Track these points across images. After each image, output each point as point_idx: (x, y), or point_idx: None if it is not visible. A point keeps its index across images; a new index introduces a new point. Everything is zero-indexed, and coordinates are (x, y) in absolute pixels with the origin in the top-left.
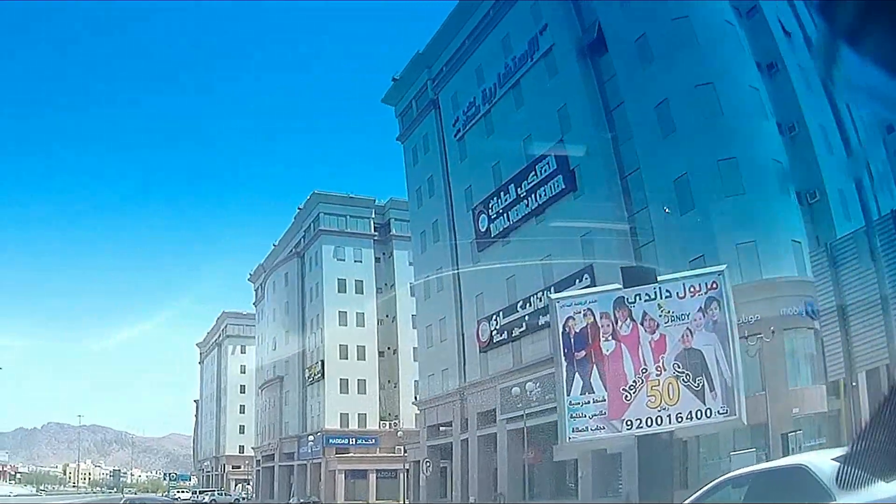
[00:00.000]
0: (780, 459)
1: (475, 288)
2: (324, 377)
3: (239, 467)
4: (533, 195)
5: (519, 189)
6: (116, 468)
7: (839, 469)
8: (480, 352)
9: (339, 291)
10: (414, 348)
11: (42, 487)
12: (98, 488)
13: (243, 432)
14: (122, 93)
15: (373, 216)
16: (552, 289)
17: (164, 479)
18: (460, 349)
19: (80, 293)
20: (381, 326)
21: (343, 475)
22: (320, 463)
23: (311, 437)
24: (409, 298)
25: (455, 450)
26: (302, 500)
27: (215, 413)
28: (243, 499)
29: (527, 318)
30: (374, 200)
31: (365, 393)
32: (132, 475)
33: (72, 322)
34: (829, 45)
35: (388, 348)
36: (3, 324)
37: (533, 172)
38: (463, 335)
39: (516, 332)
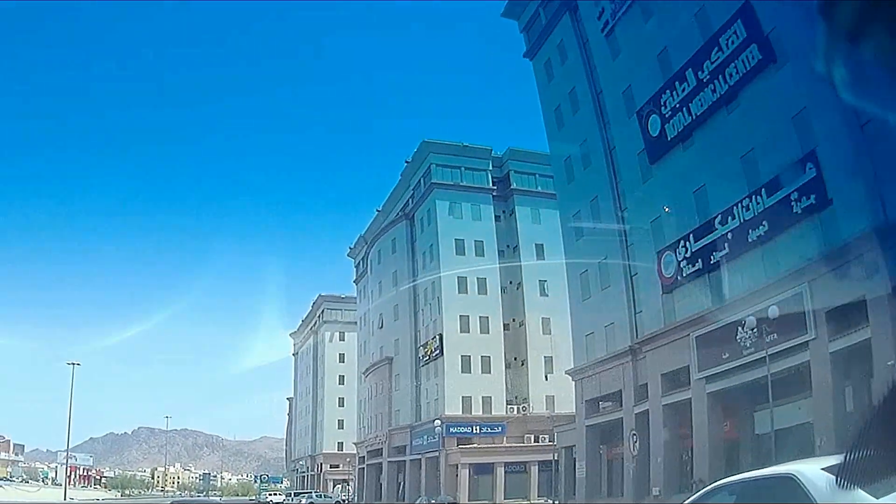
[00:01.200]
0: (770, 467)
1: (648, 212)
2: (442, 354)
3: (337, 466)
4: (720, 77)
5: (700, 72)
6: (206, 471)
7: (829, 479)
8: (664, 292)
9: (456, 253)
10: (543, 319)
11: (127, 492)
12: (186, 492)
13: (342, 427)
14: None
15: (490, 168)
16: (764, 191)
17: (255, 481)
18: (630, 294)
19: (170, 296)
20: (504, 295)
21: (467, 470)
22: (437, 456)
23: (436, 423)
24: (535, 262)
25: (627, 427)
26: (434, 501)
27: (311, 408)
28: (343, 500)
29: (730, 236)
30: (490, 151)
31: (489, 372)
32: (222, 478)
33: (160, 325)
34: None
35: (514, 320)
36: (91, 325)
37: (716, 48)
38: (632, 277)
39: (716, 257)
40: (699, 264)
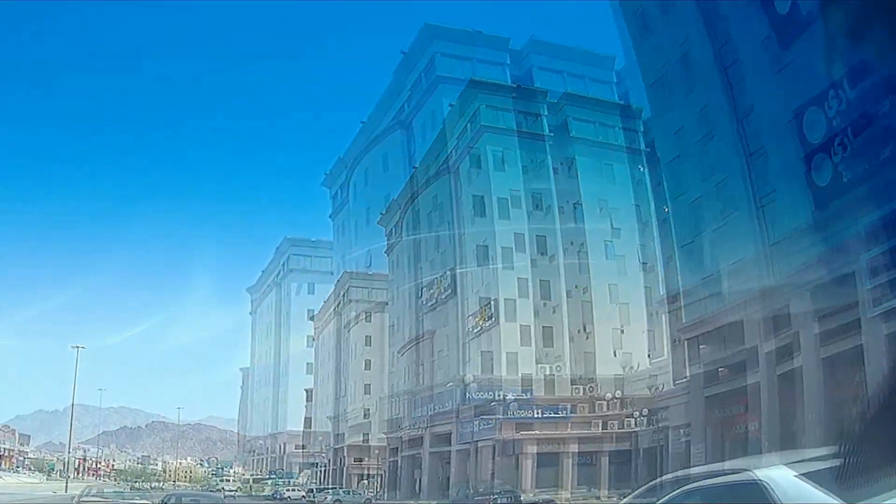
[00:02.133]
0: (728, 462)
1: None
2: (498, 323)
3: (305, 447)
4: None
5: None
6: (145, 454)
7: (793, 478)
8: (816, 208)
9: (512, 206)
10: (610, 286)
11: (55, 476)
12: (122, 477)
13: (311, 399)
14: None
15: (545, 113)
16: None
17: (202, 466)
18: (762, 221)
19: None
20: (566, 258)
21: (530, 461)
22: (493, 446)
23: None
24: (571, 179)
25: (765, 393)
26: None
27: (272, 376)
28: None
29: None
30: (509, 41)
31: (551, 346)
32: (163, 462)
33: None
34: None
35: (576, 287)
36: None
37: None
38: (762, 199)
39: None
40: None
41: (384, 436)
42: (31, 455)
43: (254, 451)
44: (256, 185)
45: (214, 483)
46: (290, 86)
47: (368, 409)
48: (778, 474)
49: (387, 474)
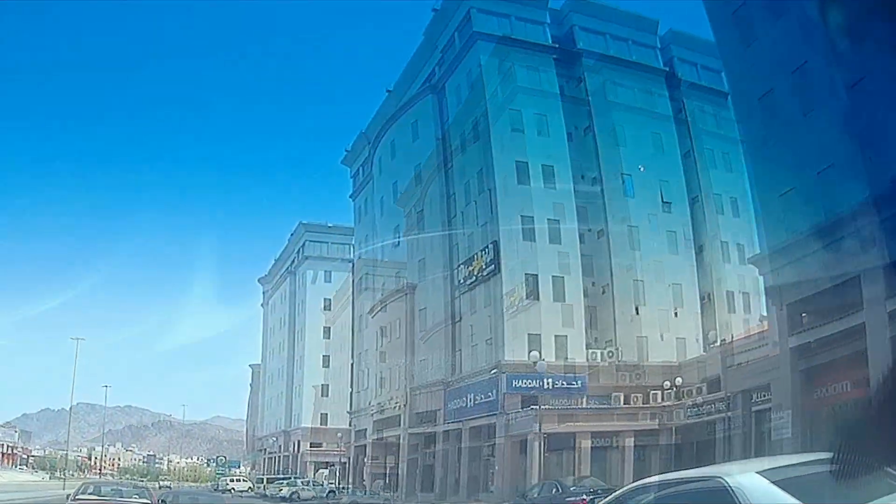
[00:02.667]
0: (699, 469)
1: None
2: (499, 271)
3: (320, 445)
4: None
5: None
6: (151, 453)
7: (761, 482)
8: None
9: (512, 129)
10: (630, 227)
11: (58, 474)
12: (127, 475)
13: (326, 395)
14: None
15: (586, 76)
16: None
17: (208, 465)
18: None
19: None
20: (577, 194)
21: (539, 443)
22: (494, 425)
23: (493, 373)
24: (617, 148)
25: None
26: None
27: (285, 371)
28: (335, 490)
29: None
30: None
31: (563, 300)
32: (168, 461)
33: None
34: None
35: (589, 230)
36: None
37: None
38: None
39: None
40: None
41: (414, 431)
42: (34, 453)
43: (264, 450)
44: (267, 170)
45: (223, 483)
46: (303, 60)
47: (395, 403)
48: (747, 480)
49: (418, 472)
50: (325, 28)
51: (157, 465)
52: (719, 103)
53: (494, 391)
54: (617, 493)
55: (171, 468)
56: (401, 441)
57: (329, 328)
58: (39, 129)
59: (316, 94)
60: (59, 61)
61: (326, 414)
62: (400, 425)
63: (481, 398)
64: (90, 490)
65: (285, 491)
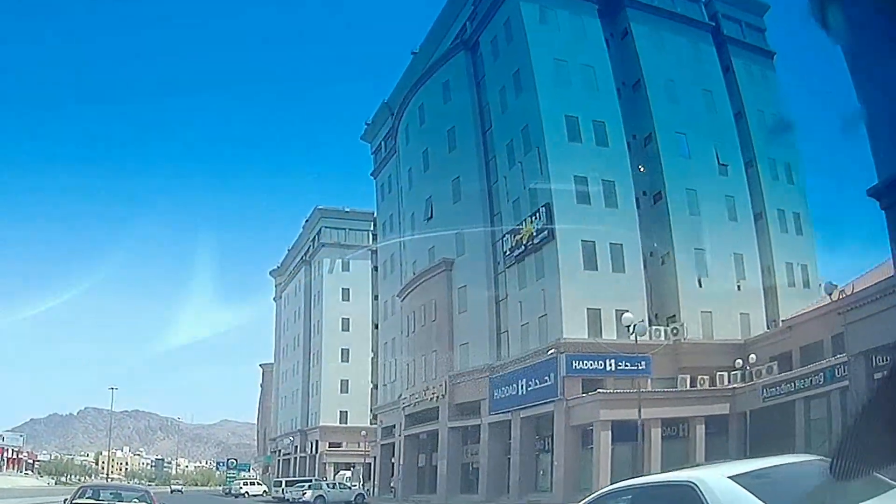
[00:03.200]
0: (672, 472)
1: None
2: (553, 237)
3: (340, 445)
4: None
5: None
6: (159, 457)
7: (731, 487)
8: None
9: (559, 82)
10: (688, 191)
11: (64, 478)
12: (135, 479)
13: (346, 391)
14: None
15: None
16: None
17: (217, 468)
18: None
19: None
20: (631, 153)
21: (607, 434)
22: (551, 413)
23: (551, 354)
24: (669, 105)
25: None
26: None
27: (301, 368)
28: (365, 494)
29: None
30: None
31: (622, 270)
32: (177, 464)
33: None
34: None
35: (644, 193)
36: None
37: None
38: None
39: None
40: None
41: (455, 425)
42: (41, 458)
43: (278, 452)
44: (277, 158)
45: (236, 487)
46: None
47: (431, 394)
48: (717, 483)
49: (460, 471)
50: None
51: (165, 469)
52: (766, 63)
53: (552, 374)
54: (590, 497)
55: (180, 472)
56: (439, 436)
57: (348, 320)
58: (44, 128)
59: (327, 73)
60: (60, 60)
61: (346, 412)
62: (437, 419)
63: (535, 383)
64: (88, 494)
65: (309, 495)
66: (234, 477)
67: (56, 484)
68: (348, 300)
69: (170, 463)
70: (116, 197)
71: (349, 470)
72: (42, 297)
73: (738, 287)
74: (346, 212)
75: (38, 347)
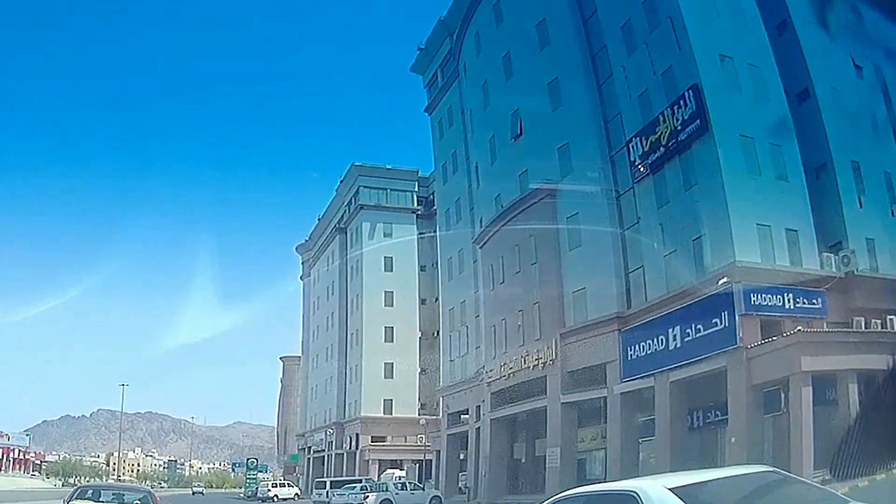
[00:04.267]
0: (618, 482)
1: None
2: (707, 128)
3: (384, 439)
4: None
5: None
6: (171, 458)
7: (671, 498)
8: None
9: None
10: (833, 89)
11: (72, 481)
12: (147, 482)
13: (391, 375)
14: None
15: None
16: None
17: (233, 469)
18: None
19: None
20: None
21: (806, 387)
22: (722, 371)
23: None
24: None
25: None
26: None
27: (336, 350)
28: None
29: None
30: None
31: (785, 179)
32: (190, 466)
33: None
34: None
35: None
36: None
37: None
38: None
39: None
40: None
41: (569, 399)
42: (48, 458)
43: (307, 449)
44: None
45: (263, 490)
46: None
47: (533, 360)
48: (652, 489)
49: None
50: None
51: (178, 471)
52: None
53: (725, 314)
54: (545, 502)
55: (194, 473)
56: (547, 415)
57: (392, 294)
58: (45, 128)
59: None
60: (60, 60)
61: (391, 400)
62: (544, 392)
63: (694, 331)
64: (88, 494)
65: (372, 499)
66: (254, 478)
67: (63, 486)
68: (391, 271)
69: (183, 464)
70: (122, 192)
71: (398, 468)
72: (50, 295)
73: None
74: (388, 169)
75: (49, 348)
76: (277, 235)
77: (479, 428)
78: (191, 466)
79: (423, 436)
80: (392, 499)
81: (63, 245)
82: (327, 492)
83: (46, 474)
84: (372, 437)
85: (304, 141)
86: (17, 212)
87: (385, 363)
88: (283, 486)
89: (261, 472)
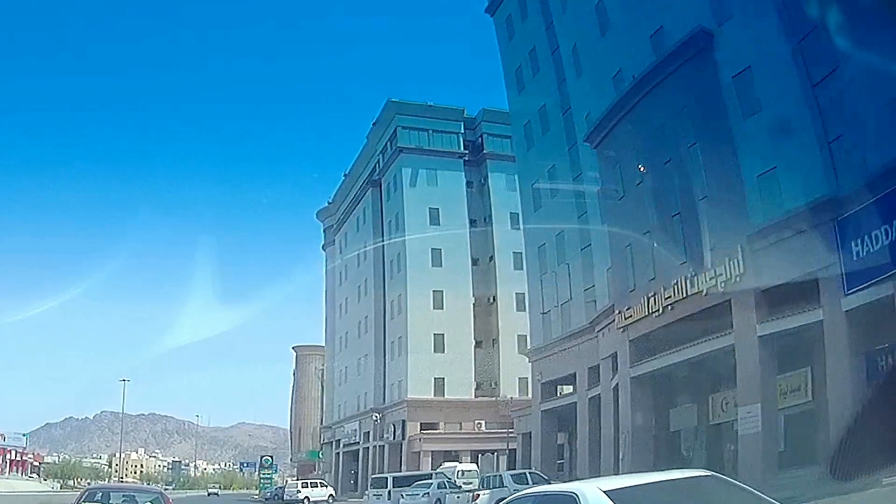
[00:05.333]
0: (561, 484)
1: None
2: None
3: (436, 426)
4: None
5: None
6: (176, 459)
7: (605, 500)
8: None
9: None
10: None
11: (71, 483)
12: (151, 483)
13: (442, 349)
14: None
15: None
16: None
17: (241, 469)
18: None
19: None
20: None
21: None
22: None
23: None
24: None
25: None
26: None
27: (372, 323)
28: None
29: None
30: None
31: None
32: (195, 466)
33: None
34: None
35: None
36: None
37: None
38: None
39: None
40: None
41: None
42: (47, 460)
43: (335, 443)
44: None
45: (292, 491)
46: None
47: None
48: (589, 491)
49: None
50: None
51: (183, 471)
52: None
53: None
54: None
55: (200, 474)
56: (737, 357)
57: (440, 252)
58: (45, 128)
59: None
60: (60, 60)
61: (443, 379)
62: (728, 326)
63: None
64: (97, 496)
65: (486, 499)
66: (269, 477)
67: (61, 488)
68: (438, 224)
69: (187, 465)
70: (122, 193)
71: (456, 460)
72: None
73: None
74: (429, 107)
75: (50, 350)
76: (280, 233)
77: (594, 397)
78: (196, 467)
79: (482, 422)
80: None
81: (63, 245)
82: (389, 492)
83: (45, 476)
84: (421, 424)
85: (306, 139)
86: (18, 212)
87: (434, 334)
88: (314, 485)
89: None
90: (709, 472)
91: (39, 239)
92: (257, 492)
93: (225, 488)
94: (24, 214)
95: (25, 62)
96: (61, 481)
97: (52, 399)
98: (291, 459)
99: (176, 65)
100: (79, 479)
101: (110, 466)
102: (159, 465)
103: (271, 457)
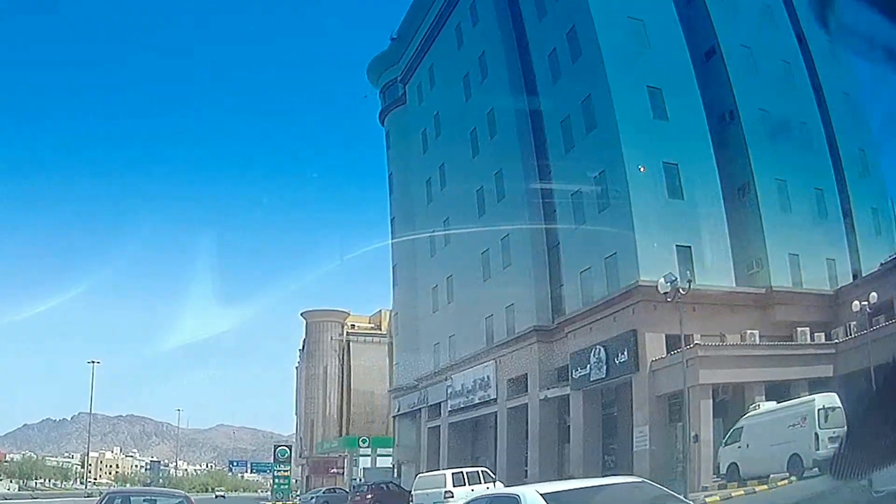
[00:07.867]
0: (510, 487)
1: None
2: None
3: (688, 340)
4: None
5: None
6: (154, 459)
7: (535, 496)
8: None
9: None
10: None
11: (34, 483)
12: (128, 484)
13: (680, 194)
14: None
15: None
16: None
17: (230, 469)
18: None
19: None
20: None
21: None
22: None
23: None
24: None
25: None
26: None
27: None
28: None
29: None
30: None
31: None
32: (176, 467)
33: None
34: None
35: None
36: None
37: None
38: None
39: None
40: None
41: None
42: (8, 458)
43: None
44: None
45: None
46: None
47: None
48: (529, 494)
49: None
50: None
51: (162, 472)
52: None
53: None
54: None
55: (184, 475)
56: None
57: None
58: (46, 128)
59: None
60: (60, 60)
61: (688, 249)
62: None
63: None
64: (117, 501)
65: None
66: (286, 478)
67: (20, 489)
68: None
69: (167, 465)
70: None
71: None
72: (32, 301)
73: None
74: None
75: (31, 352)
76: (275, 234)
77: None
78: (176, 468)
79: (756, 332)
80: None
81: (57, 250)
82: None
83: (6, 476)
84: (667, 336)
85: (306, 139)
86: (14, 214)
87: (664, 164)
88: (473, 480)
89: (262, 471)
90: (640, 479)
91: (39, 240)
92: (269, 495)
93: (207, 490)
94: (24, 214)
95: (27, 62)
96: (22, 481)
97: (30, 400)
98: (308, 452)
99: (176, 65)
100: (44, 480)
101: (82, 466)
102: (136, 466)
103: (288, 447)
